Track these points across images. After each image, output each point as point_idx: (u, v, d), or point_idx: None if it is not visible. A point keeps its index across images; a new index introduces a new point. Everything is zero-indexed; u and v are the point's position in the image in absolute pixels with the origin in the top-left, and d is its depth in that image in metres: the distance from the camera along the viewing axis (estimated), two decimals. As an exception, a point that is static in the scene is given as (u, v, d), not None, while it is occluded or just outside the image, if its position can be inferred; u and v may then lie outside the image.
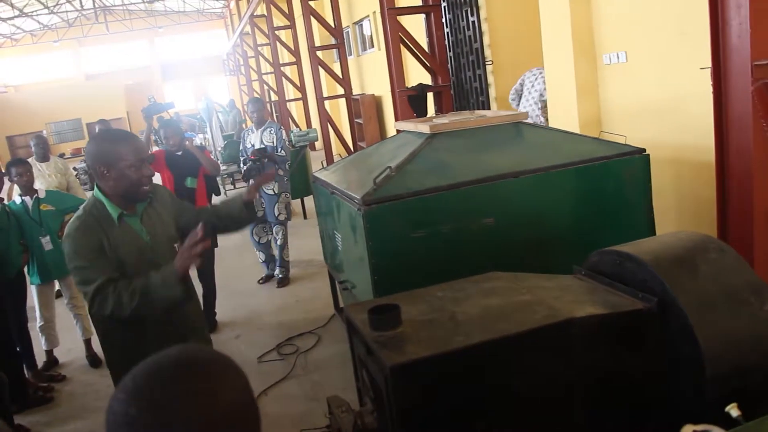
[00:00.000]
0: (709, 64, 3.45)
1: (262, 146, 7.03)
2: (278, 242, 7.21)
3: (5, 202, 5.25)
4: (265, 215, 7.17)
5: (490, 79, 7.88)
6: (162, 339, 2.54)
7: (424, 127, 4.06)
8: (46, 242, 5.29)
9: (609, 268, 2.56)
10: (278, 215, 7.15)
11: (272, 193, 7.11)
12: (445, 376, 2.11)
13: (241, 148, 7.45)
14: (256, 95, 15.96)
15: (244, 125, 17.92)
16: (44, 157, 7.12)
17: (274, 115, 19.96)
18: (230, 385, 0.99)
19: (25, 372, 5.22)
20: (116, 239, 2.72)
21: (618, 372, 2.31)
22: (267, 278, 7.44)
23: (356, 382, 2.71)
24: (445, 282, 2.67)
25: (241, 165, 7.31)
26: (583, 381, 2.24)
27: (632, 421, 2.33)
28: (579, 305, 2.37)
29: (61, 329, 5.95)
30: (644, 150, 3.90)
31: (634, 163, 3.86)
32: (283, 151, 7.07)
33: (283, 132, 7.20)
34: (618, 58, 5.30)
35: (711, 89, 3.49)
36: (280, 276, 7.29)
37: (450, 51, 8.40)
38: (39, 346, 5.61)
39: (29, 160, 7.27)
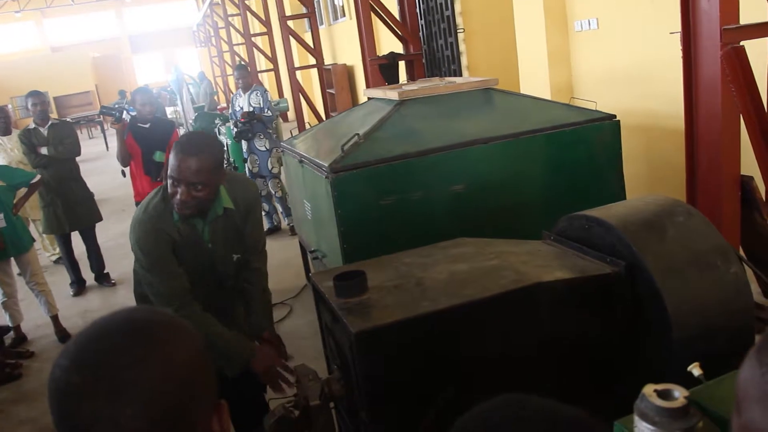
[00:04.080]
0: (679, 28, 3.43)
1: (251, 109, 7.43)
2: (277, 195, 7.70)
3: None
4: (260, 170, 7.60)
5: (462, 47, 7.81)
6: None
7: (393, 94, 4.00)
8: (0, 219, 5.15)
9: (578, 232, 2.55)
10: (272, 168, 7.62)
11: (264, 149, 7.57)
12: (411, 341, 2.08)
13: (230, 111, 7.98)
14: (240, 63, 15.69)
15: (215, 97, 17.69)
16: (6, 131, 6.95)
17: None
18: (183, 350, 0.91)
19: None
20: (181, 234, 2.66)
21: (587, 336, 2.31)
22: (270, 231, 7.81)
23: (324, 350, 2.68)
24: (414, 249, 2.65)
25: (232, 127, 7.74)
26: (552, 345, 2.23)
27: (602, 385, 2.33)
28: (547, 270, 2.35)
29: (31, 305, 5.87)
30: (615, 116, 3.89)
31: (604, 129, 3.84)
32: (269, 111, 7.50)
33: (269, 94, 7.66)
34: (589, 24, 5.27)
35: (681, 54, 3.47)
36: (291, 224, 7.63)
37: (421, 19, 8.31)
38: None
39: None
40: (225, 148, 8.62)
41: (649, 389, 1.34)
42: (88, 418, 0.83)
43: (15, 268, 5.52)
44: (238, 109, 7.61)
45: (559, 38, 5.56)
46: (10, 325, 5.53)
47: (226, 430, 0.96)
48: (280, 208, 7.85)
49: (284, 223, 7.93)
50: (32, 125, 6.37)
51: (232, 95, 8.25)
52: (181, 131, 11.81)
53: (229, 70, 23.39)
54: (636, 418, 1.34)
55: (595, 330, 2.31)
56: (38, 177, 5.73)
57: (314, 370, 2.49)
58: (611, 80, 5.12)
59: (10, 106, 7.41)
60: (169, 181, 2.54)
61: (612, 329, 2.31)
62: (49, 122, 6.34)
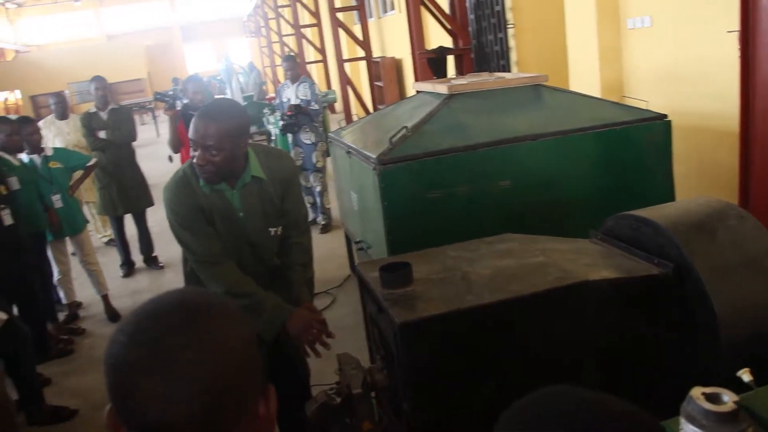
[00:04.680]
0: (737, 27, 3.36)
1: (298, 101, 7.37)
2: (317, 189, 7.61)
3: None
4: (304, 163, 7.55)
5: (511, 42, 7.75)
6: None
7: (442, 88, 4.01)
8: (57, 200, 5.34)
9: (625, 232, 2.53)
10: (316, 162, 7.57)
11: (309, 142, 7.50)
12: (454, 334, 2.10)
13: (276, 102, 7.94)
14: (289, 54, 15.87)
15: (264, 87, 17.87)
16: (63, 116, 7.16)
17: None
18: (236, 334, 0.92)
19: (48, 325, 5.31)
20: (210, 204, 2.69)
21: (631, 337, 2.29)
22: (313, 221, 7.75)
23: (367, 341, 2.71)
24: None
25: (278, 119, 7.72)
26: (596, 345, 2.22)
27: (645, 387, 2.32)
28: (593, 268, 2.34)
29: (83, 284, 6.04)
30: (666, 116, 3.83)
31: (655, 129, 3.79)
32: (316, 105, 7.40)
33: (317, 87, 7.59)
34: (642, 22, 5.19)
35: (738, 53, 3.40)
36: (323, 223, 7.68)
37: (471, 13, 8.27)
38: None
39: (49, 117, 7.36)
40: (272, 138, 8.72)
41: (697, 392, 1.33)
42: (143, 396, 0.85)
43: (69, 248, 5.71)
44: (285, 100, 7.59)
45: (611, 35, 5.49)
46: (64, 301, 5.70)
47: (273, 414, 0.97)
48: (318, 202, 7.76)
49: (318, 219, 7.76)
50: (93, 109, 6.54)
51: (279, 86, 8.25)
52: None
53: (278, 61, 23.60)
54: (682, 421, 1.34)
55: (640, 331, 2.30)
56: (94, 160, 5.89)
57: (357, 359, 2.52)
58: (664, 79, 5.04)
59: (67, 92, 7.63)
60: (192, 148, 2.58)
61: (658, 331, 2.30)
62: (109, 107, 6.50)
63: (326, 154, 7.55)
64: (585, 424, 0.85)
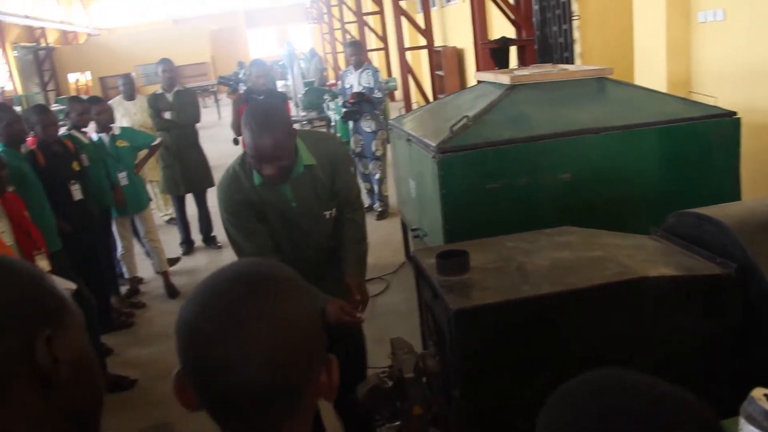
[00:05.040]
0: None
1: (360, 88, 7.37)
2: (376, 177, 7.67)
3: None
4: (363, 151, 7.61)
5: (576, 34, 7.63)
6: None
7: (504, 78, 3.99)
8: (123, 177, 5.51)
9: (687, 230, 2.48)
10: (375, 151, 7.58)
11: (370, 130, 7.50)
12: (509, 324, 2.11)
13: (339, 87, 8.00)
14: (353, 39, 15.96)
15: (325, 73, 17.99)
16: (131, 96, 7.36)
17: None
18: (303, 305, 0.95)
19: (111, 298, 5.50)
20: (261, 199, 2.71)
21: (690, 336, 2.26)
22: (369, 208, 7.80)
23: (421, 327, 2.74)
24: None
25: (339, 105, 7.79)
26: (652, 342, 2.20)
27: (703, 389, 2.28)
28: (653, 265, 2.31)
29: (144, 261, 6.23)
30: (735, 113, 3.73)
31: (722, 126, 3.69)
32: (379, 93, 7.39)
33: (380, 74, 7.54)
34: (714, 15, 5.04)
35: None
36: (380, 209, 7.73)
37: (535, 4, 8.17)
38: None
39: (117, 98, 7.58)
40: (332, 124, 8.79)
41: (758, 392, 1.32)
42: (215, 363, 0.88)
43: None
44: (347, 86, 7.59)
45: (681, 29, 5.35)
46: (126, 276, 5.89)
47: (334, 383, 1.00)
48: (376, 189, 7.79)
49: (375, 205, 7.81)
50: (159, 91, 6.71)
51: (342, 71, 8.26)
52: (291, 105, 12.11)
53: (339, 48, 23.71)
54: (742, 421, 1.32)
55: (699, 330, 2.26)
56: (159, 140, 6.05)
57: (410, 343, 2.55)
58: (734, 75, 4.89)
59: (134, 74, 7.83)
60: (251, 160, 2.56)
61: (718, 331, 2.25)
62: (175, 89, 6.66)
63: (386, 142, 7.55)
64: (634, 406, 0.85)
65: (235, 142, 6.48)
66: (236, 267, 0.98)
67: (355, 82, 7.48)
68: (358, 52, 7.59)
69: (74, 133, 5.16)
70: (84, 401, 0.88)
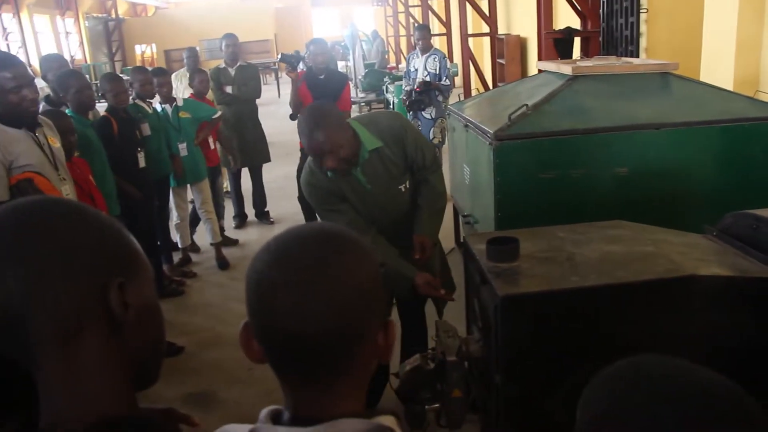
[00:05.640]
0: None
1: (425, 73, 7.29)
2: None
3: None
4: None
5: (643, 27, 7.47)
6: None
7: (566, 69, 3.95)
8: (183, 148, 5.64)
9: (743, 231, 2.45)
10: (433, 138, 7.49)
11: (429, 117, 7.44)
12: (555, 313, 2.12)
13: (404, 70, 7.90)
14: (422, 23, 15.93)
15: (386, 56, 17.98)
16: (194, 69, 7.49)
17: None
18: (367, 262, 1.01)
19: (163, 265, 5.65)
20: (339, 185, 2.92)
21: (739, 339, 2.23)
22: None
23: (466, 312, 2.76)
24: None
25: (400, 87, 7.82)
26: (700, 343, 2.18)
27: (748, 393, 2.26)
28: (704, 264, 2.29)
29: (197, 232, 6.37)
30: (802, 115, 3.63)
31: (788, 129, 3.60)
32: (447, 80, 7.34)
33: (447, 61, 7.49)
34: (790, 13, 4.89)
35: None
36: None
37: (604, -5, 8.01)
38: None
39: (181, 70, 7.74)
40: (390, 106, 8.79)
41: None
42: (281, 309, 0.93)
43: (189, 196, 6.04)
44: (412, 69, 7.51)
45: (754, 25, 5.20)
46: (180, 245, 6.05)
47: (391, 345, 1.05)
48: None
49: None
50: (222, 65, 6.84)
51: (408, 54, 8.20)
52: (351, 86, 12.15)
53: (403, 31, 23.63)
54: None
55: (747, 334, 2.23)
56: (219, 113, 6.17)
57: (455, 327, 2.58)
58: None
59: (198, 48, 7.97)
60: (312, 157, 2.81)
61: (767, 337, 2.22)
62: (237, 64, 6.77)
63: (445, 130, 7.55)
64: (676, 392, 0.87)
65: (292, 117, 6.58)
66: (309, 225, 1.05)
67: (421, 66, 7.39)
68: (426, 36, 7.51)
69: (138, 102, 5.31)
70: (147, 349, 0.95)
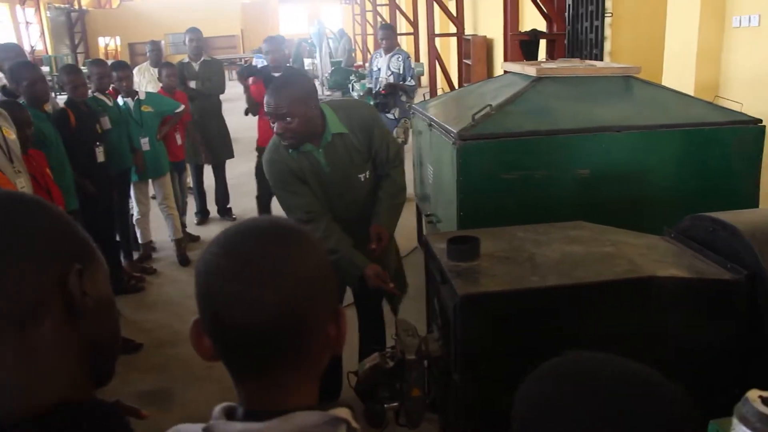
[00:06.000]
0: None
1: (389, 73, 7.21)
2: None
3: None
4: None
5: (607, 31, 7.57)
6: None
7: (531, 70, 3.97)
8: (145, 143, 5.55)
9: (701, 234, 2.48)
10: (396, 138, 7.37)
11: (393, 117, 7.34)
12: (514, 313, 2.12)
13: (368, 69, 7.84)
14: (386, 22, 15.95)
15: (353, 54, 17.96)
16: (157, 63, 7.38)
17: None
18: (314, 253, 1.02)
19: (122, 261, 5.54)
20: (300, 164, 2.94)
21: (694, 340, 2.25)
22: None
23: (427, 311, 2.75)
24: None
25: (364, 86, 7.64)
26: (656, 342, 2.19)
27: (705, 391, 2.28)
28: (662, 265, 2.31)
29: (160, 227, 6.27)
30: (761, 120, 3.69)
31: (746, 133, 3.65)
32: (412, 80, 7.26)
33: (411, 61, 7.38)
34: (749, 21, 4.98)
35: None
36: None
37: (570, -2, 8.10)
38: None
39: (144, 64, 7.62)
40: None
41: (753, 394, 1.31)
42: (230, 299, 0.93)
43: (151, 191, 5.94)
44: (375, 69, 7.43)
45: (713, 33, 5.29)
46: (140, 241, 5.94)
47: (343, 335, 1.04)
48: None
49: None
50: (186, 59, 6.74)
51: (372, 54, 8.12)
52: (317, 84, 12.08)
53: (370, 30, 23.62)
54: (735, 422, 1.32)
55: (704, 335, 2.26)
56: (182, 107, 6.07)
57: (414, 326, 2.57)
58: (764, 83, 4.84)
59: (163, 42, 7.86)
60: (270, 122, 2.86)
61: (724, 338, 2.25)
62: (201, 58, 6.69)
63: (408, 130, 7.53)
64: (604, 383, 0.91)
65: (246, 113, 6.55)
66: (258, 218, 1.07)
67: (384, 66, 7.32)
68: (390, 36, 7.41)
69: (98, 95, 5.21)
70: (103, 342, 0.95)
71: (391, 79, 7.24)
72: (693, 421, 0.92)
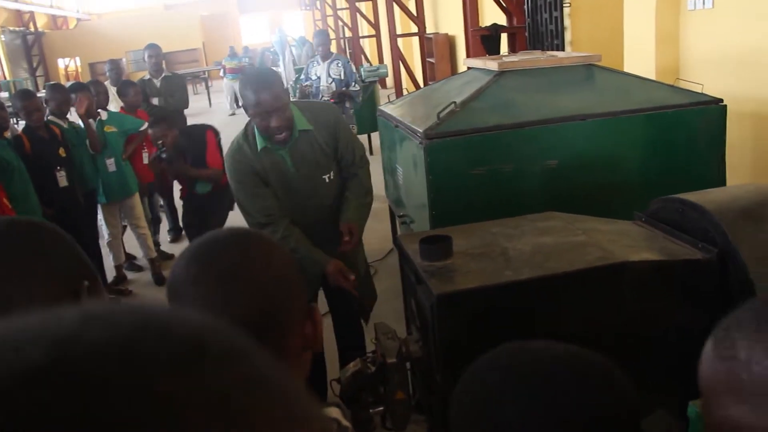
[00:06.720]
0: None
1: (330, 80, 7.07)
2: None
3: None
4: None
5: (567, 21, 7.62)
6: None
7: (492, 65, 3.98)
8: (111, 164, 5.47)
9: (670, 215, 2.50)
10: None
11: None
12: (491, 309, 2.11)
13: (302, 76, 7.50)
14: (321, 28, 15.92)
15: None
16: (118, 82, 7.31)
17: (347, 51, 19.87)
18: (279, 256, 1.08)
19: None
20: (264, 166, 2.91)
21: (669, 321, 2.27)
22: None
23: (405, 312, 2.74)
24: (502, 220, 2.66)
25: (296, 93, 7.43)
26: (632, 327, 2.21)
27: (684, 372, 2.30)
28: (634, 250, 2.32)
29: (134, 247, 6.20)
30: (721, 100, 3.74)
31: (708, 114, 3.70)
32: (356, 85, 7.15)
33: (352, 65, 7.28)
34: (704, 3, 5.05)
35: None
36: None
37: (528, -9, 8.15)
38: (109, 262, 5.86)
39: (105, 84, 7.52)
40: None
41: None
42: (197, 302, 0.98)
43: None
44: (314, 77, 7.19)
45: (670, 17, 5.35)
46: (113, 263, 5.86)
47: (319, 332, 1.09)
48: None
49: None
50: (147, 76, 6.68)
51: (308, 62, 7.89)
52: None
53: (333, 35, 23.59)
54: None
55: (678, 316, 2.27)
56: (146, 125, 6.00)
57: (394, 329, 2.56)
58: (722, 63, 4.90)
59: (124, 60, 7.78)
60: (258, 119, 2.78)
61: (698, 316, 2.26)
62: (162, 74, 6.62)
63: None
64: (530, 368, 0.98)
65: None
66: (223, 229, 1.16)
67: (324, 73, 7.07)
68: (325, 42, 7.20)
69: (53, 119, 5.11)
70: None
71: (333, 87, 7.04)
72: (631, 402, 0.95)
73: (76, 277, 1.00)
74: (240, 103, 17.78)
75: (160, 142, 4.65)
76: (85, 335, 0.35)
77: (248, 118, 2.92)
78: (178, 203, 7.02)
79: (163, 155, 4.67)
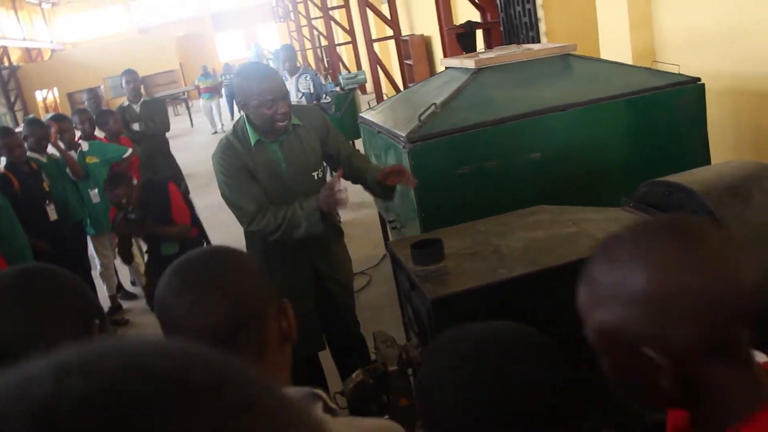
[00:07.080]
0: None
1: (299, 94, 7.00)
2: None
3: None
4: None
5: (540, 13, 7.64)
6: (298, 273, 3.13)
7: (469, 63, 3.98)
8: (95, 195, 5.40)
9: (658, 199, 2.50)
10: None
11: None
12: (487, 308, 2.10)
13: None
14: (286, 43, 15.96)
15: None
16: (97, 110, 7.28)
17: (325, 60, 19.87)
18: (250, 264, 1.24)
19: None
20: (255, 163, 2.95)
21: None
22: None
23: (402, 318, 2.74)
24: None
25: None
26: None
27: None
28: (625, 237, 2.32)
29: (125, 276, 6.17)
30: (699, 79, 3.75)
31: (687, 93, 3.71)
32: (327, 97, 7.12)
33: (321, 77, 7.22)
34: (674, -16, 5.07)
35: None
36: None
37: (499, -14, 8.17)
38: (103, 292, 5.83)
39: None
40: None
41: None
42: (184, 308, 1.13)
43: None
44: None
45: (642, 0, 5.38)
46: (108, 293, 5.82)
47: (293, 325, 1.23)
48: None
49: None
50: (126, 102, 6.65)
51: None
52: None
53: (308, 44, 23.60)
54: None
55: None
56: (130, 151, 5.97)
57: (392, 336, 2.55)
58: (697, 43, 4.92)
59: (102, 87, 7.77)
60: (263, 108, 2.82)
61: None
62: (141, 99, 6.60)
63: None
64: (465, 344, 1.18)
65: None
66: (199, 248, 1.35)
67: (293, 88, 6.95)
68: (292, 57, 7.09)
69: (32, 155, 5.07)
70: None
71: (304, 101, 6.92)
72: (560, 369, 1.15)
73: (90, 317, 1.17)
74: (222, 118, 17.75)
75: (124, 201, 4.26)
76: (64, 394, 0.35)
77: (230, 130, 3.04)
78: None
79: (131, 216, 4.28)
